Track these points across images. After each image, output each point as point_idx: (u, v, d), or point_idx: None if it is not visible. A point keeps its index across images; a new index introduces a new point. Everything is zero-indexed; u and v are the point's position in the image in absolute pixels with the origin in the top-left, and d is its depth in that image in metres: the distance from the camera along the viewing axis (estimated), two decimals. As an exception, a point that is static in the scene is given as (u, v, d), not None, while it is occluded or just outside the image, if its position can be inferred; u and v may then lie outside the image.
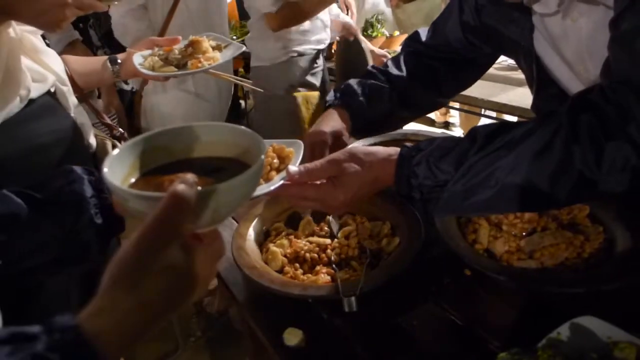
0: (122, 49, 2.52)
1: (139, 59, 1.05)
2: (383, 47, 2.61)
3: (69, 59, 1.04)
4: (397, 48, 2.51)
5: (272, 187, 0.67)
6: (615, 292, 0.70)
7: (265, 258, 0.84)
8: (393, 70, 1.05)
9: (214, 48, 1.11)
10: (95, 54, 2.51)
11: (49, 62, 0.82)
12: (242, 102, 4.12)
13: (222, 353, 1.97)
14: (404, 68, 1.05)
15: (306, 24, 1.92)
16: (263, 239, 0.91)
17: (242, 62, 4.01)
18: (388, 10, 3.05)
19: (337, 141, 0.94)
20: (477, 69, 1.09)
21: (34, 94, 0.76)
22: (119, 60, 1.07)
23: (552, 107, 0.83)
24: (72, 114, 0.87)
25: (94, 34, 2.43)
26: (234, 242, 0.85)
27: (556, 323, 0.64)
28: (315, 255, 0.84)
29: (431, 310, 0.76)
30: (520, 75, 2.11)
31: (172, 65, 1.04)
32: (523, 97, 1.88)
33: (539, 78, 0.88)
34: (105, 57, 1.07)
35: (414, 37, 1.10)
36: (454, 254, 0.80)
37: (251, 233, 0.90)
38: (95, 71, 1.07)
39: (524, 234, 0.82)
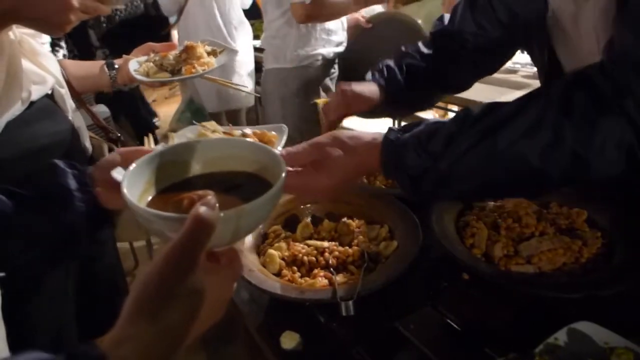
0: (121, 48, 2.53)
1: (135, 65, 1.05)
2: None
3: (67, 62, 1.06)
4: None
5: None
6: (613, 298, 0.70)
7: (262, 261, 0.84)
8: (424, 49, 1.08)
9: (209, 53, 1.11)
10: (94, 55, 2.52)
11: (47, 64, 0.82)
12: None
13: (218, 355, 1.96)
14: (432, 47, 1.09)
15: (331, 24, 1.81)
16: (261, 242, 0.90)
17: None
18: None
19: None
20: (492, 57, 1.09)
21: (34, 96, 0.76)
22: (116, 66, 1.07)
23: None
24: (70, 117, 0.86)
25: (92, 34, 2.44)
26: (231, 245, 0.85)
27: (554, 328, 0.64)
28: (313, 258, 0.83)
29: (428, 314, 0.76)
30: (518, 78, 2.13)
31: (166, 72, 1.04)
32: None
33: (550, 62, 0.87)
34: (103, 62, 1.08)
35: (441, 17, 1.13)
36: (451, 258, 0.80)
37: (249, 236, 0.89)
38: (93, 75, 1.07)
39: (521, 238, 0.82)
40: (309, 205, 1.00)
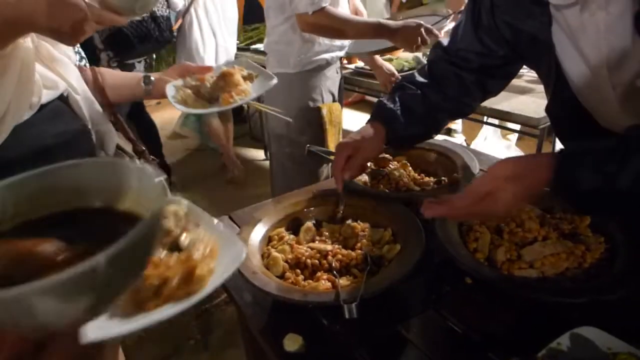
0: (125, 51, 2.56)
1: (172, 90, 1.00)
2: (385, 54, 2.60)
3: (104, 71, 1.06)
4: (400, 54, 2.51)
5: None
6: (616, 303, 0.70)
7: (266, 263, 0.84)
8: (419, 78, 1.08)
9: (245, 78, 1.05)
10: (98, 57, 2.53)
11: (63, 71, 0.83)
12: (245, 106, 4.12)
13: (221, 357, 1.97)
14: (428, 75, 1.08)
15: None
16: (264, 244, 0.91)
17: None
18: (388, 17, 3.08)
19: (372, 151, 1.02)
20: (497, 75, 1.08)
21: (44, 99, 0.77)
22: (152, 79, 1.06)
23: (566, 111, 0.84)
24: (87, 121, 0.88)
25: (96, 37, 2.45)
26: (235, 247, 0.85)
27: (556, 333, 0.64)
28: (316, 261, 0.84)
29: (431, 318, 0.76)
30: (522, 83, 2.13)
31: (204, 100, 1.00)
32: (525, 105, 1.88)
33: (557, 75, 0.88)
34: (141, 74, 1.07)
35: (437, 44, 1.12)
36: (454, 262, 0.80)
37: (253, 238, 0.90)
38: (129, 86, 1.07)
39: (524, 243, 0.82)
40: (312, 209, 1.00)
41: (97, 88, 1.01)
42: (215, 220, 0.59)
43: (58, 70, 0.83)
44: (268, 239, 0.92)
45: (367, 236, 0.90)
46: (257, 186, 3.30)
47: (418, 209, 0.92)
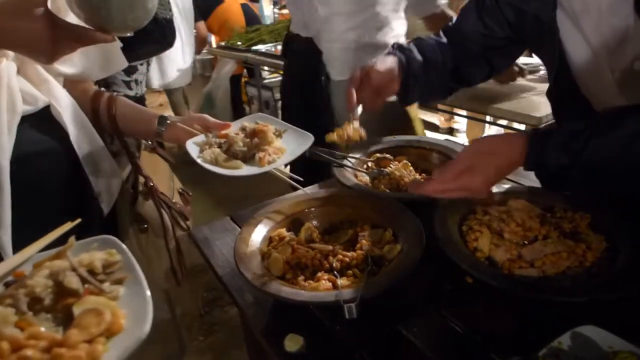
0: (125, 52, 2.55)
1: (194, 148, 0.93)
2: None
3: (121, 101, 1.03)
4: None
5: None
6: (617, 302, 0.70)
7: (267, 264, 0.84)
8: (439, 38, 1.10)
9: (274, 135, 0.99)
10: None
11: (47, 88, 0.84)
12: (246, 107, 4.14)
13: (224, 357, 1.97)
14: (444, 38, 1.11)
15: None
16: (265, 245, 0.91)
17: (243, 69, 4.05)
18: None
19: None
20: (501, 56, 1.10)
21: (24, 112, 0.78)
22: (168, 121, 1.01)
23: (567, 95, 0.88)
24: (69, 134, 0.87)
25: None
26: (236, 248, 0.86)
27: (557, 332, 0.64)
28: (317, 261, 0.84)
29: (432, 318, 0.76)
30: (524, 82, 2.12)
31: (237, 159, 0.92)
32: (528, 104, 1.88)
33: (559, 59, 0.88)
34: (157, 114, 1.03)
35: (446, 24, 1.15)
36: (455, 262, 0.80)
37: (253, 238, 0.90)
38: (142, 122, 1.02)
39: (525, 242, 0.82)
40: (312, 209, 1.00)
41: (109, 116, 1.00)
42: (144, 281, 0.58)
43: (42, 87, 0.83)
44: (269, 240, 0.92)
45: (367, 236, 0.90)
46: (258, 187, 3.30)
47: (418, 208, 0.93)
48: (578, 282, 0.76)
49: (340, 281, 0.78)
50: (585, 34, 0.80)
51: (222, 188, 3.32)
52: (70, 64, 0.88)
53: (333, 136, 1.02)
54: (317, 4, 1.75)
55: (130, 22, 0.74)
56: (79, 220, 0.60)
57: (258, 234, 0.92)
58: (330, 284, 0.78)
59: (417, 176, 1.15)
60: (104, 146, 0.96)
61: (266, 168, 0.89)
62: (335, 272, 0.80)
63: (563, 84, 0.92)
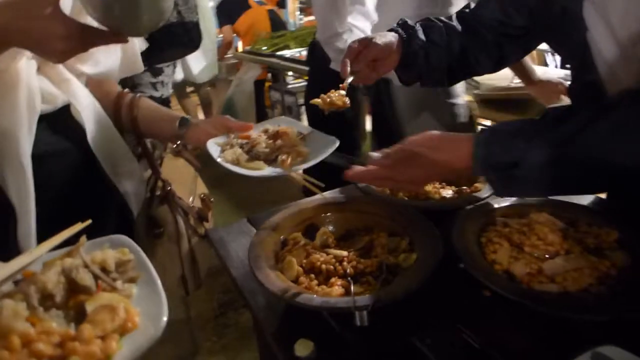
0: (153, 54, 2.61)
1: (215, 148, 0.92)
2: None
3: (144, 102, 1.04)
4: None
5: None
6: (641, 322, 0.67)
7: (281, 267, 0.84)
8: (448, 22, 1.07)
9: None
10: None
11: (68, 88, 0.85)
12: (269, 111, 4.17)
13: (236, 359, 1.97)
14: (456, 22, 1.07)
15: None
16: (280, 248, 0.91)
17: (267, 73, 4.09)
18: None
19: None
20: (517, 44, 1.07)
21: (41, 112, 0.79)
22: (189, 122, 1.01)
23: (589, 92, 0.85)
24: (89, 133, 0.87)
25: (129, 41, 2.52)
26: (250, 249, 0.86)
27: (577, 351, 0.62)
28: (331, 267, 0.83)
29: (446, 331, 0.74)
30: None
31: (259, 160, 0.90)
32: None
33: (583, 55, 0.85)
34: (179, 115, 1.03)
35: (464, 6, 1.12)
36: (472, 273, 0.78)
37: (268, 241, 0.90)
38: (163, 123, 1.02)
39: (546, 256, 0.80)
40: (329, 214, 1.00)
41: (131, 117, 1.01)
42: (158, 280, 0.57)
43: (62, 86, 0.84)
44: (284, 243, 0.92)
45: (383, 244, 0.89)
46: (279, 191, 3.31)
47: (437, 217, 0.91)
48: (601, 300, 0.73)
49: (354, 288, 0.77)
50: (612, 26, 0.77)
51: (242, 191, 3.35)
52: (93, 63, 0.89)
53: (317, 100, 1.01)
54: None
55: (144, 23, 0.74)
56: (89, 222, 0.60)
57: (273, 237, 0.92)
58: (343, 290, 0.77)
59: (437, 185, 1.13)
60: (126, 147, 0.97)
61: (289, 171, 0.88)
62: (349, 279, 0.80)
63: (585, 80, 0.88)
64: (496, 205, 0.97)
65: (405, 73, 1.08)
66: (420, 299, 0.79)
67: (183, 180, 1.12)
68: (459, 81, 1.19)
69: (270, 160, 0.91)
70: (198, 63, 3.35)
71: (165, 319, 0.51)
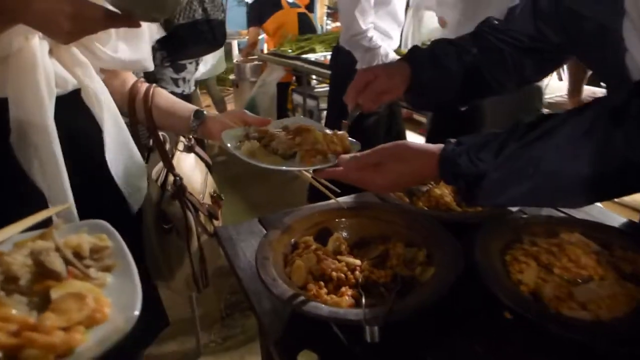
0: (177, 50, 2.61)
1: (230, 138, 0.87)
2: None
3: (159, 92, 1.01)
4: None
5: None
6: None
7: (289, 271, 0.79)
8: (460, 41, 1.02)
9: None
10: (154, 57, 2.60)
11: (81, 72, 0.82)
12: (290, 114, 4.15)
13: (240, 362, 1.93)
14: (469, 41, 1.02)
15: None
16: (290, 251, 0.86)
17: (292, 76, 4.07)
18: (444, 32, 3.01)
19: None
20: (544, 62, 1.02)
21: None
22: (205, 114, 0.97)
23: None
24: (101, 116, 0.84)
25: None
26: (259, 251, 0.81)
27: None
28: (343, 275, 0.78)
29: (463, 352, 0.69)
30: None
31: (277, 155, 0.85)
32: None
33: (621, 74, 0.79)
34: (194, 108, 0.99)
35: (486, 20, 1.05)
36: (494, 292, 0.72)
37: (278, 243, 0.85)
38: (178, 115, 0.99)
39: (578, 280, 0.73)
40: (344, 220, 0.95)
41: (145, 107, 0.98)
42: (135, 271, 0.52)
43: (75, 70, 0.81)
44: (294, 246, 0.87)
45: (399, 255, 0.84)
46: (295, 194, 3.28)
47: (458, 230, 0.86)
48: (636, 331, 0.66)
49: (365, 299, 0.71)
50: None
51: (256, 194, 3.32)
52: (112, 49, 0.86)
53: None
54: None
55: (158, 7, 0.72)
56: (67, 205, 0.56)
57: (284, 239, 0.87)
58: (353, 301, 0.72)
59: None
60: (130, 138, 0.94)
61: (310, 167, 0.83)
62: (360, 290, 0.74)
63: None
64: (523, 222, 0.91)
65: (415, 99, 1.04)
66: (436, 315, 0.73)
67: (194, 177, 1.08)
68: (472, 104, 1.14)
69: (288, 156, 0.85)
70: (204, 60, 3.33)
71: (137, 313, 0.46)
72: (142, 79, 1.01)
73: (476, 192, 0.68)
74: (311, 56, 3.33)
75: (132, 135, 0.96)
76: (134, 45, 0.90)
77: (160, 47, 2.57)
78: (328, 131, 0.90)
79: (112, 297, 0.48)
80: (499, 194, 0.67)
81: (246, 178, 3.52)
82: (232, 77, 4.62)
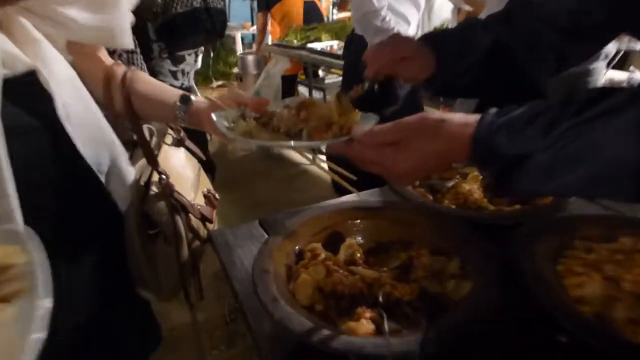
0: (175, 41, 2.48)
1: (221, 120, 0.73)
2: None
3: (140, 76, 0.86)
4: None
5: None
6: None
7: (292, 288, 0.65)
8: (489, 19, 0.88)
9: None
10: (151, 49, 2.46)
11: (37, 50, 0.68)
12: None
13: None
14: (502, 18, 0.87)
15: None
16: (294, 262, 0.72)
17: (299, 69, 3.92)
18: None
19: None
20: (587, 39, 0.86)
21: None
22: (193, 99, 0.83)
23: None
24: (57, 106, 0.70)
25: (150, 27, 2.38)
26: (256, 262, 0.68)
27: None
28: (358, 291, 0.64)
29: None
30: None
31: (279, 133, 0.70)
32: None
33: None
34: (180, 92, 0.85)
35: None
36: (547, 312, 0.58)
37: (280, 251, 0.72)
38: (161, 101, 0.84)
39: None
40: (358, 222, 0.81)
41: (123, 94, 0.83)
42: (42, 301, 0.39)
43: (28, 48, 0.67)
44: (299, 255, 0.73)
45: (425, 265, 0.70)
46: (302, 190, 3.15)
47: (493, 232, 0.72)
48: None
49: (388, 324, 0.57)
50: None
51: (259, 190, 3.20)
52: (76, 14, 0.72)
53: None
54: None
55: None
56: None
57: (287, 246, 0.74)
58: (373, 326, 0.58)
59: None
60: (107, 126, 0.79)
61: (322, 143, 0.67)
62: (382, 310, 0.60)
63: None
64: (571, 223, 0.76)
65: (438, 84, 0.88)
66: (476, 343, 0.59)
67: (184, 174, 0.94)
68: (501, 95, 0.99)
69: (293, 134, 0.69)
70: None
71: None
72: (120, 62, 0.87)
73: (516, 177, 0.54)
74: (317, 45, 3.18)
75: (113, 129, 0.82)
76: (105, 11, 0.76)
77: (157, 39, 2.45)
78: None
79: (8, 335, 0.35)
80: (545, 180, 0.53)
81: (248, 175, 3.40)
82: (235, 70, 4.49)
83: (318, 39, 3.31)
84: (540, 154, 0.52)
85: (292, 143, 0.67)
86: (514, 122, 0.54)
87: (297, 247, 0.74)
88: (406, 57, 0.81)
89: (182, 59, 2.53)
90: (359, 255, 0.73)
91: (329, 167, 0.82)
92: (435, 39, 0.84)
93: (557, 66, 0.89)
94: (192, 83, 2.80)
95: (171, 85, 2.20)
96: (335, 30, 3.38)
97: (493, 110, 0.57)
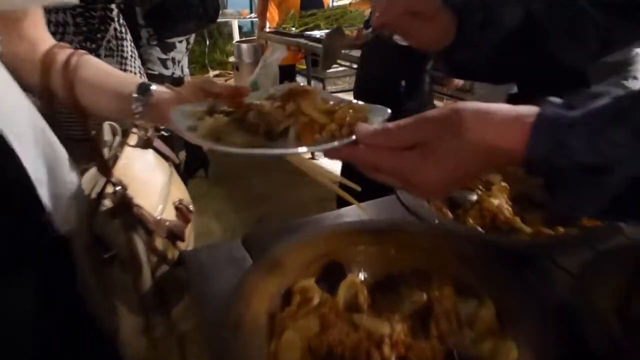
0: (164, 26, 2.31)
1: (182, 118, 0.54)
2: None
3: (87, 60, 0.69)
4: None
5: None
6: None
7: (275, 347, 0.49)
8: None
9: None
10: (139, 35, 2.29)
11: None
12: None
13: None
14: None
15: None
16: (279, 305, 0.56)
17: (301, 56, 3.74)
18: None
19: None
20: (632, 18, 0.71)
21: None
22: (153, 88, 0.67)
23: None
24: None
25: (139, 12, 2.22)
26: (229, 310, 0.51)
27: None
28: (362, 353, 0.48)
29: None
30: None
31: (257, 134, 0.51)
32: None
33: None
34: (139, 80, 0.68)
35: None
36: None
37: (262, 291, 0.55)
38: (114, 92, 0.68)
39: None
40: (361, 248, 0.64)
41: (65, 82, 0.67)
42: None
43: None
44: (285, 297, 0.57)
45: (448, 311, 0.53)
46: (301, 186, 2.98)
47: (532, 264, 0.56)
48: None
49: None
50: None
51: (256, 186, 3.03)
52: None
53: None
54: None
55: None
56: None
57: (271, 282, 0.57)
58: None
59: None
60: (42, 121, 0.63)
61: (313, 149, 0.50)
62: (395, 387, 0.44)
63: None
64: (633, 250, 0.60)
65: (455, 58, 0.71)
66: None
67: (150, 183, 0.78)
68: (530, 82, 0.82)
69: (277, 135, 0.51)
70: None
71: None
72: (63, 44, 0.70)
73: (588, 195, 0.41)
74: (316, 33, 3.00)
75: (51, 126, 0.65)
76: None
77: (146, 24, 2.27)
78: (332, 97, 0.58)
79: None
80: (634, 203, 0.39)
81: (245, 168, 3.23)
82: (232, 59, 4.31)
83: (317, 27, 3.13)
84: (629, 167, 0.38)
85: (272, 151, 0.49)
86: (593, 120, 0.40)
87: (284, 286, 0.58)
88: (423, 14, 0.64)
89: (172, 47, 2.36)
90: (363, 297, 0.56)
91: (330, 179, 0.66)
92: (457, 5, 0.67)
93: (599, 49, 0.74)
94: (186, 72, 2.64)
95: (160, 74, 1.98)
96: (336, 17, 3.19)
97: (556, 99, 0.42)
